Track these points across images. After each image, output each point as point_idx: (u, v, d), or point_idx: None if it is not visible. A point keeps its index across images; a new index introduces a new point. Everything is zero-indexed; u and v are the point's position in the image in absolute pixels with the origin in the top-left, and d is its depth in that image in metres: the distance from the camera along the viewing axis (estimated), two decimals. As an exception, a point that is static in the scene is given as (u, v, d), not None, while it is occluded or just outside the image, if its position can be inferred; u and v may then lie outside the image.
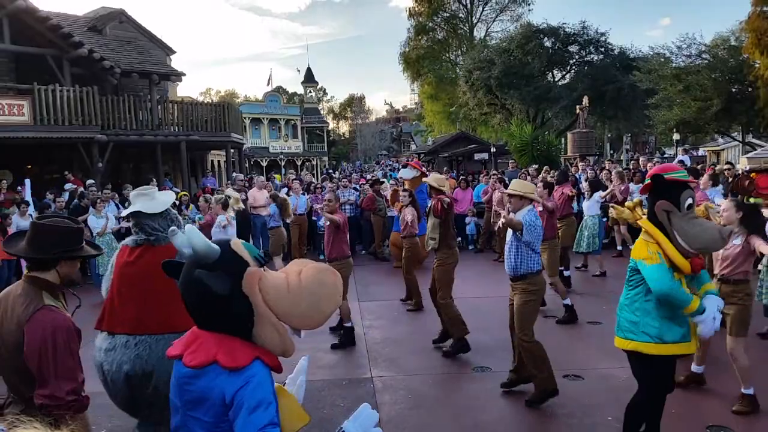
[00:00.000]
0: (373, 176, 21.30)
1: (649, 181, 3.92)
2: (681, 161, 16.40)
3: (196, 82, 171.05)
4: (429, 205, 7.28)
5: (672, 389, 4.05)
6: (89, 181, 14.67)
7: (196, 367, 2.01)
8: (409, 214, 8.74)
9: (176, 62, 26.75)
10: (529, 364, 5.28)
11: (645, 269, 3.77)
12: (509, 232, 5.46)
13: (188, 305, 2.11)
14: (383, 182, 15.49)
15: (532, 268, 5.27)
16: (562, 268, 9.26)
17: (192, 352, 2.05)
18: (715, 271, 5.24)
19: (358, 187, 15.57)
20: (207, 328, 2.10)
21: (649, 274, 3.73)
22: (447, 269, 6.88)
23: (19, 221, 10.56)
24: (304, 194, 13.70)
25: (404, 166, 11.41)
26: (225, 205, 9.21)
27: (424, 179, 8.51)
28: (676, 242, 3.74)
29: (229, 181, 16.39)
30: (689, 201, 3.78)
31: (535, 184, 13.57)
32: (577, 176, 14.34)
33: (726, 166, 12.79)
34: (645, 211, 4.10)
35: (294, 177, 18.75)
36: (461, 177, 15.39)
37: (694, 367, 5.58)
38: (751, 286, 5.22)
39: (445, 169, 28.88)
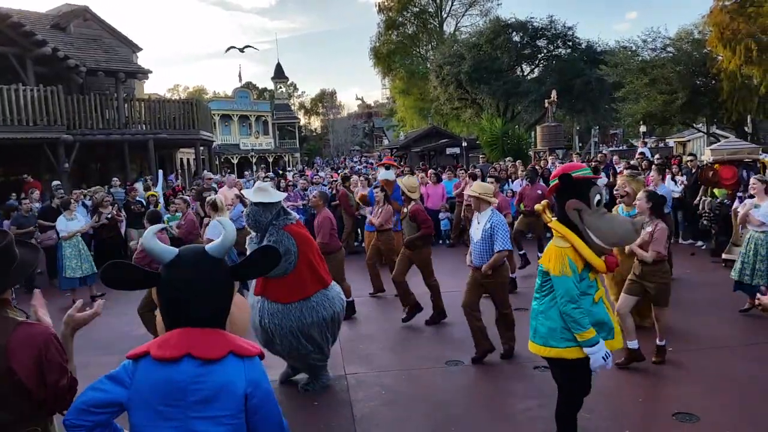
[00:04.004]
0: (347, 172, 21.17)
1: (556, 181, 3.85)
2: (642, 153, 16.75)
3: (164, 78, 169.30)
4: (406, 210, 7.75)
5: (589, 391, 3.98)
6: (55, 183, 14.40)
7: (214, 360, 2.06)
8: (384, 214, 8.74)
9: (143, 59, 26.35)
10: (508, 328, 6.22)
11: (554, 279, 3.70)
12: (477, 231, 6.05)
13: (200, 296, 2.15)
14: (352, 177, 15.43)
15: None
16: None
17: (203, 348, 2.07)
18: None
19: (327, 183, 15.51)
20: (201, 323, 2.14)
21: (557, 286, 3.69)
22: (425, 257, 7.66)
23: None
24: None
25: (386, 167, 11.02)
26: (215, 207, 8.56)
27: (397, 180, 8.62)
28: (590, 240, 3.69)
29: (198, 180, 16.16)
30: (598, 197, 3.76)
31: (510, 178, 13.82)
32: (550, 169, 14.49)
33: (688, 158, 13.04)
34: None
35: (264, 174, 18.60)
36: (431, 171, 15.37)
37: (629, 344, 5.73)
38: (667, 265, 6.01)
39: (421, 163, 29.10)
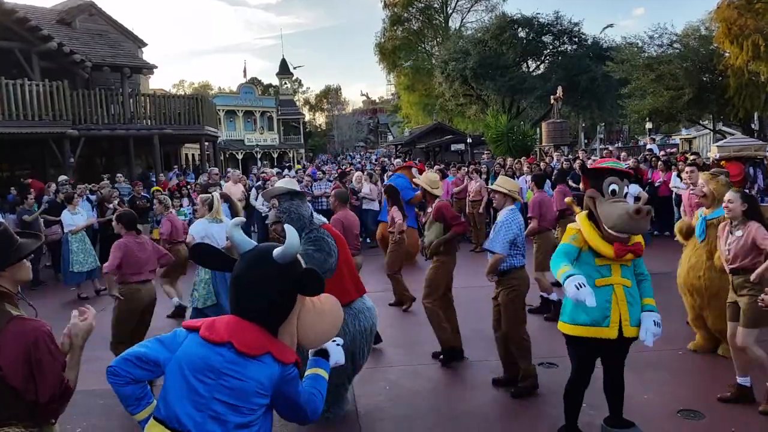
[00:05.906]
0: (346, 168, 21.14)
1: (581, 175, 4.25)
2: (650, 150, 16.69)
3: (169, 74, 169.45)
4: (429, 210, 6.47)
5: (591, 370, 4.20)
6: (62, 178, 14.44)
7: (250, 356, 2.20)
8: (397, 215, 8.57)
9: (148, 54, 26.41)
10: (519, 356, 5.28)
11: None
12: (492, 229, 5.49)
13: (250, 291, 2.31)
14: (349, 172, 15.45)
15: (515, 264, 5.27)
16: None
17: (244, 341, 2.22)
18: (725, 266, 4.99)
19: (332, 178, 15.51)
20: (249, 316, 2.30)
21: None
22: (440, 272, 6.33)
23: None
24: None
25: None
26: (211, 207, 7.46)
27: (414, 179, 8.32)
28: (602, 227, 3.96)
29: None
30: (612, 187, 3.98)
31: (514, 176, 13.79)
32: (552, 166, 14.49)
33: (692, 156, 13.00)
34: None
35: (263, 170, 18.57)
36: (436, 167, 15.40)
37: (739, 379, 4.96)
38: None
39: (418, 159, 29.04)
